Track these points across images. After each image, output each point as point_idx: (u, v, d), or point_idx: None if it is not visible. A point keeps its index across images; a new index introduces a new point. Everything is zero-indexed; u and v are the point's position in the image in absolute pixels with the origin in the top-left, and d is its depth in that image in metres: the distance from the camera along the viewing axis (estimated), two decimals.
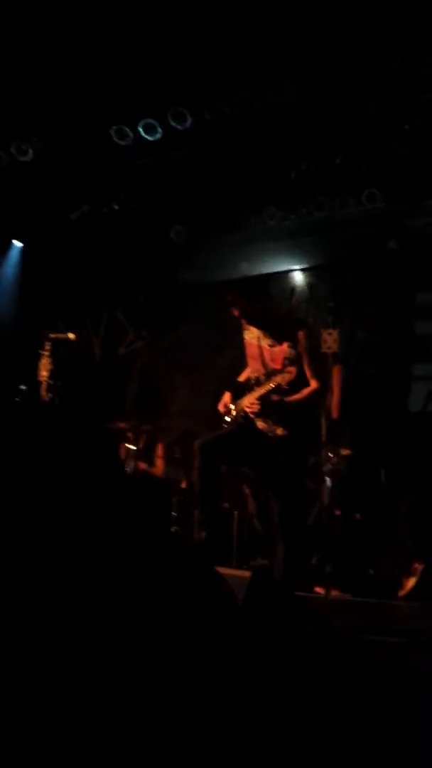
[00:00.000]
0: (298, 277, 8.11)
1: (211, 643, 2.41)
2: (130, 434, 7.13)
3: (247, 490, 6.46)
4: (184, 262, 7.98)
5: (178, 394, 8.52)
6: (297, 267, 8.05)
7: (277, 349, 4.71)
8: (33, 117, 6.20)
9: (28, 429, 2.63)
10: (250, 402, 4.71)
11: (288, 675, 2.72)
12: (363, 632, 4.23)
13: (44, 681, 1.97)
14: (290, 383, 4.54)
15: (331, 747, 2.34)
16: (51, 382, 5.92)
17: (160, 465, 7.38)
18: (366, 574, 5.90)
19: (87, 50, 5.40)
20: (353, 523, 6.14)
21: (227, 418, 4.89)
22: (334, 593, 5.41)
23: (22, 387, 5.88)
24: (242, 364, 5.05)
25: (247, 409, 4.72)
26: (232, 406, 4.88)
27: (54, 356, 6.00)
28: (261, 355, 4.80)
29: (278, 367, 4.62)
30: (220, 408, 4.94)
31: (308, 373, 4.64)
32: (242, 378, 5.03)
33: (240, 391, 4.88)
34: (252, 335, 4.85)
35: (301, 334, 4.74)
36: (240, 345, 4.98)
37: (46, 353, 6.00)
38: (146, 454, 7.26)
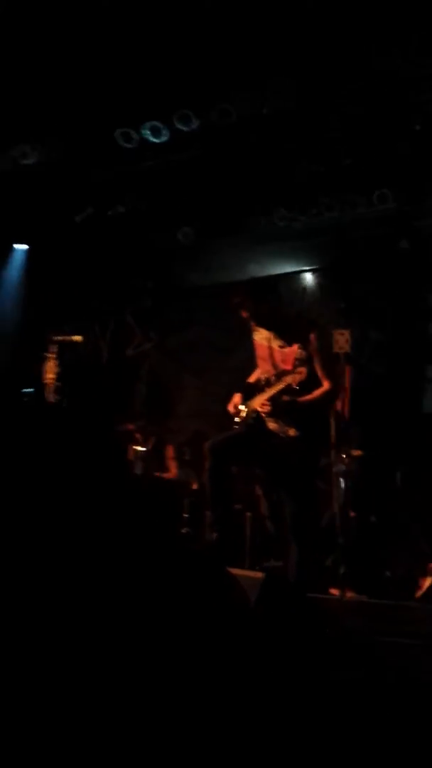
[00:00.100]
0: (309, 278, 8.10)
1: (223, 644, 2.38)
2: (138, 436, 7.13)
3: (259, 491, 6.44)
4: (191, 263, 7.98)
5: (187, 395, 8.52)
6: (307, 268, 8.03)
7: (287, 350, 4.68)
8: (38, 120, 6.21)
9: (36, 431, 2.61)
10: (261, 403, 4.69)
11: (301, 676, 2.69)
12: (377, 634, 4.19)
13: (53, 681, 1.96)
14: (301, 384, 4.51)
15: (344, 748, 2.31)
16: (58, 384, 5.93)
17: (173, 467, 7.37)
18: (382, 576, 5.87)
19: (91, 53, 5.41)
20: (368, 524, 6.11)
21: (237, 419, 4.87)
22: (350, 595, 5.38)
23: (28, 390, 5.89)
24: (251, 366, 5.03)
25: (259, 410, 4.70)
26: (242, 407, 4.86)
27: (60, 359, 6.01)
28: (271, 356, 4.78)
29: (289, 368, 4.59)
30: (230, 409, 4.92)
31: (320, 374, 4.61)
32: (252, 379, 5.01)
33: (250, 392, 4.86)
34: (262, 336, 4.83)
35: (312, 335, 4.72)
36: (249, 346, 4.95)
37: (53, 356, 6.01)
38: (155, 455, 7.26)
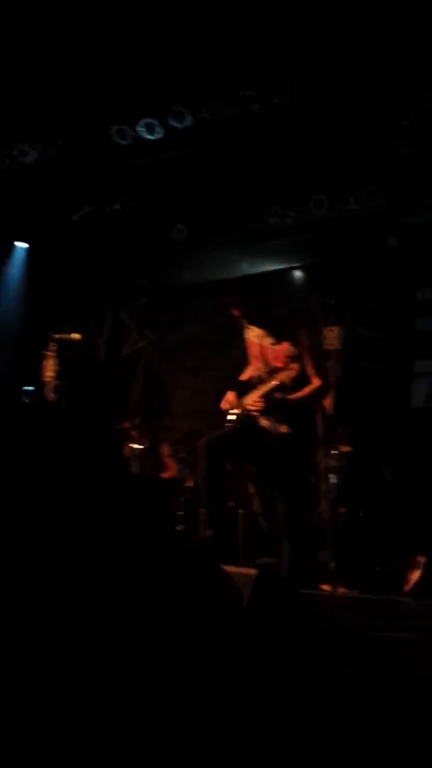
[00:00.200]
0: (299, 275, 8.11)
1: (217, 641, 2.41)
2: (134, 434, 7.14)
3: (252, 489, 6.47)
4: (185, 261, 7.98)
5: (182, 393, 8.53)
6: (298, 264, 8.05)
7: (278, 347, 4.72)
8: (34, 119, 6.20)
9: (35, 429, 2.63)
10: (253, 400, 4.72)
11: (294, 672, 2.72)
12: (369, 629, 4.23)
13: (47, 677, 1.98)
14: (293, 380, 4.55)
15: (338, 745, 2.34)
16: (57, 382, 5.93)
17: (173, 466, 7.39)
18: (372, 571, 5.91)
19: (86, 51, 5.40)
20: (357, 519, 6.14)
21: (231, 417, 4.90)
22: (341, 590, 5.42)
23: (28, 388, 5.90)
24: (245, 364, 5.06)
25: (251, 408, 4.72)
26: (235, 407, 4.88)
27: (59, 357, 6.01)
28: (263, 353, 4.81)
29: (280, 365, 4.63)
30: (224, 406, 4.95)
31: (310, 371, 4.65)
32: (244, 377, 5.03)
33: (243, 390, 4.89)
34: (253, 334, 4.86)
35: (302, 332, 4.75)
36: (243, 344, 4.98)
37: (52, 354, 6.02)
38: (151, 454, 7.28)
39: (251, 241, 7.43)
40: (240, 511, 6.47)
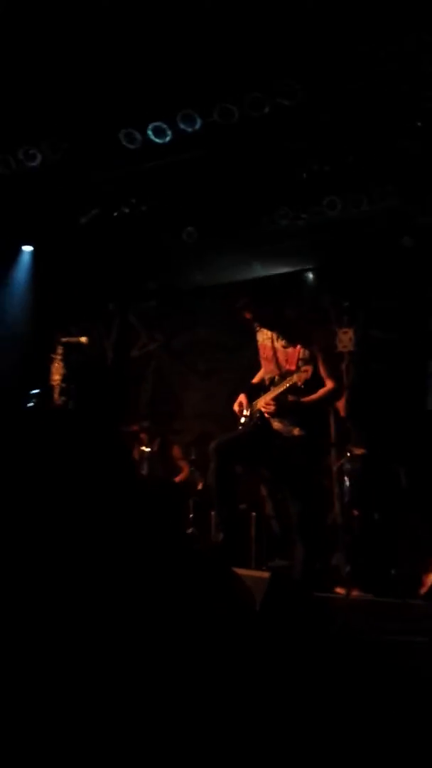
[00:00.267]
0: (311, 277, 8.09)
1: (229, 645, 2.39)
2: (143, 437, 7.14)
3: (264, 491, 6.45)
4: (196, 263, 7.98)
5: (193, 396, 8.53)
6: (310, 266, 8.04)
7: (290, 350, 4.69)
8: (41, 122, 6.22)
9: (42, 433, 2.62)
10: (265, 402, 4.70)
11: (308, 676, 2.70)
12: (384, 632, 4.20)
13: (58, 682, 1.97)
14: (306, 383, 4.52)
15: (351, 748, 2.31)
16: (64, 385, 5.94)
17: (185, 468, 7.39)
18: (387, 574, 5.88)
19: (94, 54, 5.41)
20: (372, 522, 6.11)
21: (243, 420, 4.88)
22: (355, 593, 5.39)
23: (35, 391, 5.91)
24: (257, 366, 5.04)
25: (263, 410, 4.70)
26: (246, 410, 4.87)
27: (66, 360, 6.02)
28: (275, 356, 4.78)
29: (292, 368, 4.60)
30: (236, 408, 4.93)
31: (323, 373, 4.61)
32: (256, 380, 5.01)
33: (255, 392, 4.87)
34: (265, 337, 4.84)
35: (315, 333, 4.73)
36: (254, 346, 4.96)
37: (59, 357, 6.03)
38: (161, 456, 7.27)
39: (262, 243, 7.43)
40: (252, 513, 6.46)
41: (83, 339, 6.24)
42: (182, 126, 5.99)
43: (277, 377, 4.72)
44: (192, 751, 2.01)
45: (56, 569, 2.15)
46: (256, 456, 4.87)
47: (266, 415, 4.69)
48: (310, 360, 4.55)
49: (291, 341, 4.69)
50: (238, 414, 4.92)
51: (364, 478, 6.07)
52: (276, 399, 4.63)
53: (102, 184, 7.04)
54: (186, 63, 5.46)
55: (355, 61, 5.32)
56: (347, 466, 6.05)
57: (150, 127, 6.09)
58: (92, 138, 6.29)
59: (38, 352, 6.43)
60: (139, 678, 2.07)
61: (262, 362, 4.92)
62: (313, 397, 4.61)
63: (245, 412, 4.86)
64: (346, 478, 6.05)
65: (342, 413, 6.38)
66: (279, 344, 4.75)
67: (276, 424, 4.71)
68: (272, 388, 4.70)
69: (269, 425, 4.72)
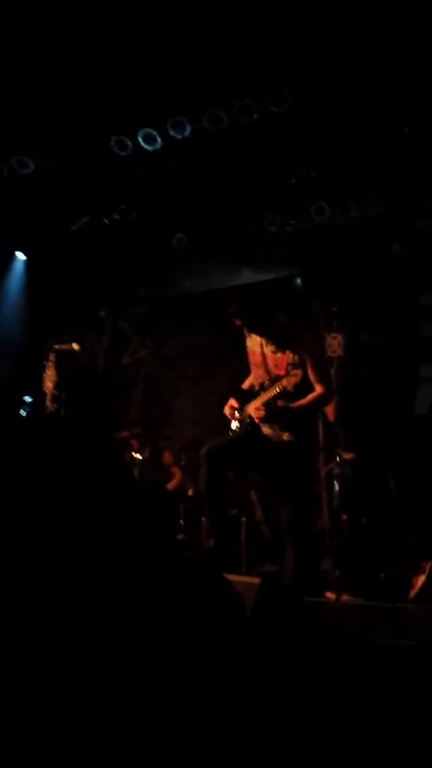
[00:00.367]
0: (301, 282, 8.11)
1: (219, 651, 2.40)
2: (134, 443, 7.14)
3: (254, 497, 6.46)
4: (185, 270, 7.99)
5: (183, 401, 8.53)
6: (299, 272, 8.06)
7: (280, 355, 4.70)
8: (33, 130, 6.23)
9: (34, 440, 2.63)
10: (255, 408, 4.71)
11: (299, 681, 2.71)
12: (374, 636, 4.22)
13: (51, 688, 1.97)
14: (295, 387, 4.53)
15: (343, 752, 2.33)
16: (56, 392, 5.95)
17: (177, 474, 7.39)
18: (377, 578, 5.90)
19: (85, 61, 5.42)
20: (360, 526, 6.14)
21: (233, 425, 4.89)
22: (345, 598, 5.40)
23: (28, 398, 5.91)
24: (247, 372, 5.05)
25: (253, 415, 4.72)
26: (236, 413, 4.88)
27: (58, 367, 6.03)
28: (264, 362, 4.79)
29: (282, 373, 4.62)
30: (226, 411, 4.94)
31: (313, 378, 4.62)
32: (246, 386, 5.02)
33: (244, 398, 4.88)
34: (254, 343, 4.85)
35: (304, 339, 4.74)
36: (244, 352, 4.98)
37: (51, 364, 6.03)
38: (152, 463, 7.27)
39: (252, 250, 7.44)
40: (243, 519, 6.47)
41: (75, 346, 6.24)
42: (172, 133, 6.01)
43: (266, 382, 4.74)
44: (186, 755, 2.02)
45: (49, 574, 2.16)
46: (247, 461, 4.88)
47: (256, 420, 4.70)
48: (300, 365, 4.56)
49: (280, 347, 4.70)
50: (229, 416, 4.93)
51: (353, 482, 6.09)
52: (266, 404, 4.64)
53: (93, 190, 7.05)
54: (176, 70, 5.48)
55: (344, 62, 5.35)
56: (336, 470, 6.07)
57: (140, 133, 6.10)
58: (83, 146, 6.30)
59: (30, 360, 6.44)
60: (131, 683, 2.08)
61: (252, 368, 4.93)
62: (303, 402, 4.62)
63: (236, 414, 4.87)
64: (335, 483, 6.06)
65: (330, 418, 6.40)
66: (268, 350, 4.76)
67: (266, 430, 4.72)
68: (262, 393, 4.71)
69: (259, 431, 4.73)
